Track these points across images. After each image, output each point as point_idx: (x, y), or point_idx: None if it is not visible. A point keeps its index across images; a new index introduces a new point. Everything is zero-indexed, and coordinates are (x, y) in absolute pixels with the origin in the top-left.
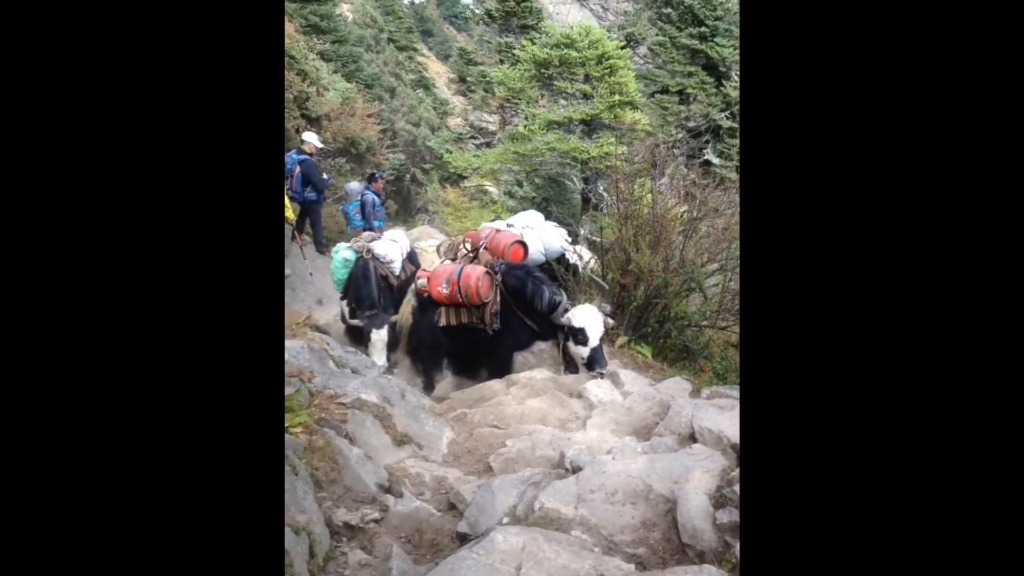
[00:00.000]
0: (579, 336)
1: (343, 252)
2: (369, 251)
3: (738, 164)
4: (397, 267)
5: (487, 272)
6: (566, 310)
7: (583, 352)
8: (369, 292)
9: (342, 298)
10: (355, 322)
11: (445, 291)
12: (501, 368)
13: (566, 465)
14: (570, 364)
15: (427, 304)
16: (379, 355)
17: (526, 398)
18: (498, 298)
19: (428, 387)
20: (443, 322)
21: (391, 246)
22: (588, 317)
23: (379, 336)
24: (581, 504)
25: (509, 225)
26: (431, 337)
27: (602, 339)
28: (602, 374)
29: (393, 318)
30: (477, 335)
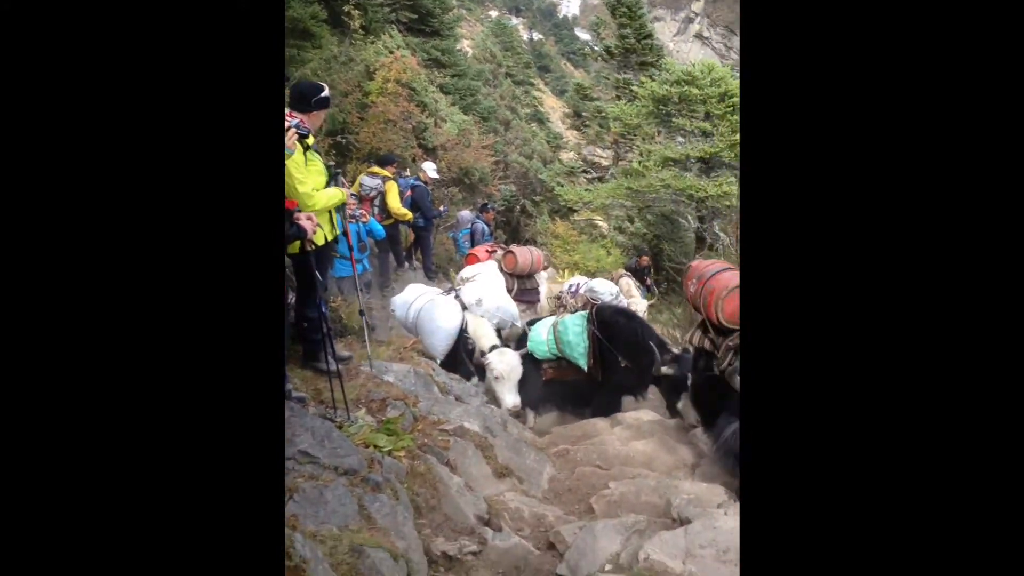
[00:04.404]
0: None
1: (571, 321)
2: (596, 298)
3: None
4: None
5: None
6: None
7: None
8: (654, 334)
9: (597, 365)
10: (667, 371)
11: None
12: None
13: (673, 515)
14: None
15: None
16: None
17: (631, 439)
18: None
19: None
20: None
21: (605, 284)
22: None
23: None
24: (689, 559)
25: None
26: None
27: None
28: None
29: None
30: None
